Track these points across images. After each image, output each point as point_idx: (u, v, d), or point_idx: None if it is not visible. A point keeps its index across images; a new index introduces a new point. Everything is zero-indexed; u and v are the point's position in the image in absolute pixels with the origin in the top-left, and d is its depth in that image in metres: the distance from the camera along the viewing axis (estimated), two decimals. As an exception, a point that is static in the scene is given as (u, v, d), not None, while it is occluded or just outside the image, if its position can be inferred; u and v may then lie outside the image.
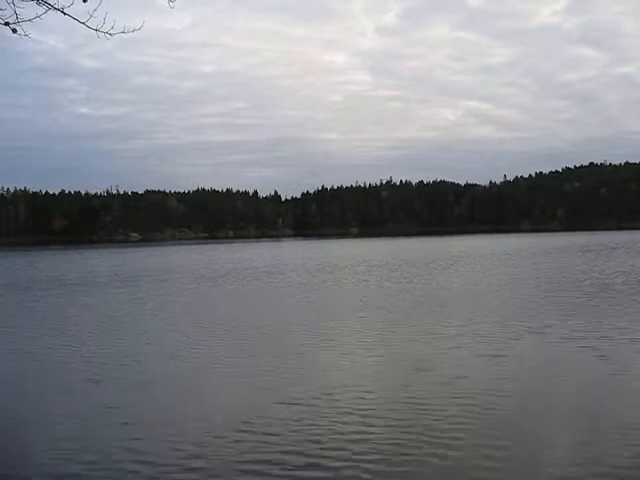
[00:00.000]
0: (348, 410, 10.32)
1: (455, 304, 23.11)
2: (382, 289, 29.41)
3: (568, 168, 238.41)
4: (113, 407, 10.98)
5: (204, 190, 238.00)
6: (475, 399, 10.67)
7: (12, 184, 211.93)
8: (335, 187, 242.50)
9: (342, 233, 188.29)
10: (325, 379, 12.55)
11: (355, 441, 8.89)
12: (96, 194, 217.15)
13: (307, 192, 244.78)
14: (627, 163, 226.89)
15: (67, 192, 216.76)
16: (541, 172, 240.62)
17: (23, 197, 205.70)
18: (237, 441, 9.05)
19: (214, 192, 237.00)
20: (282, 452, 8.58)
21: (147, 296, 29.01)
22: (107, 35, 7.17)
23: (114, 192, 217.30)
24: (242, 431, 9.46)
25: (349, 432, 9.26)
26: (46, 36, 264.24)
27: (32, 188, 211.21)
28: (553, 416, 9.89)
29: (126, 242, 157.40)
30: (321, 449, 8.66)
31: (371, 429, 9.37)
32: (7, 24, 6.85)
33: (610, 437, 8.81)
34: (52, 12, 6.92)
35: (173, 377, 13.28)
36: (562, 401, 10.66)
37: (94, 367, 14.11)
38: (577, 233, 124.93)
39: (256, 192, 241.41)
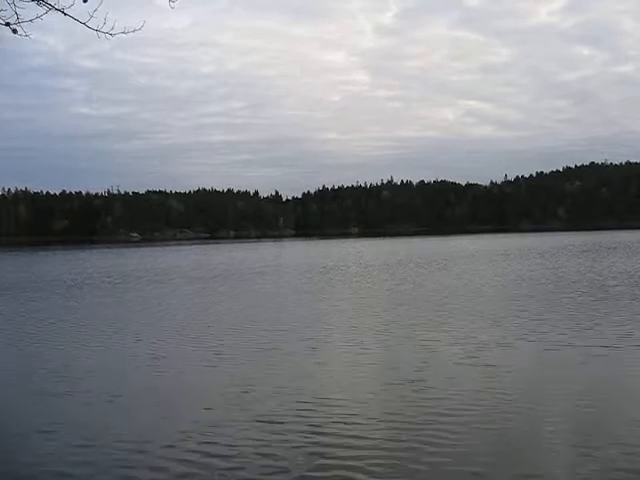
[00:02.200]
0: (328, 427, 9.67)
1: (446, 307, 22.57)
2: (372, 291, 29.10)
3: (569, 167, 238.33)
4: (71, 424, 10.27)
5: (205, 190, 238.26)
6: (466, 413, 10.18)
7: (13, 184, 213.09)
8: (336, 187, 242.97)
9: (343, 233, 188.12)
10: (304, 391, 11.85)
11: (336, 461, 8.43)
12: (97, 194, 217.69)
13: (308, 192, 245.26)
14: (628, 162, 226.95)
15: (68, 192, 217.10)
16: (542, 172, 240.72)
17: (24, 197, 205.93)
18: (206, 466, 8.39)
19: (215, 192, 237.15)
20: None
21: (131, 298, 28.68)
22: (108, 35, 7.21)
23: (115, 192, 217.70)
24: (211, 455, 8.69)
25: (329, 451, 8.76)
26: (45, 36, 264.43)
27: (33, 188, 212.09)
28: (548, 427, 9.50)
29: (127, 242, 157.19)
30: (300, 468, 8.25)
31: (354, 448, 8.82)
32: (8, 24, 6.89)
33: (609, 451, 8.46)
34: (51, 12, 6.97)
35: (140, 389, 12.46)
36: (555, 412, 10.26)
37: (55, 378, 13.33)
38: (578, 233, 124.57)
39: (257, 192, 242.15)
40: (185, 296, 29.50)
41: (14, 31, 6.85)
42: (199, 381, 13.05)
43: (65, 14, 6.95)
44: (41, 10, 6.90)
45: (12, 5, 6.76)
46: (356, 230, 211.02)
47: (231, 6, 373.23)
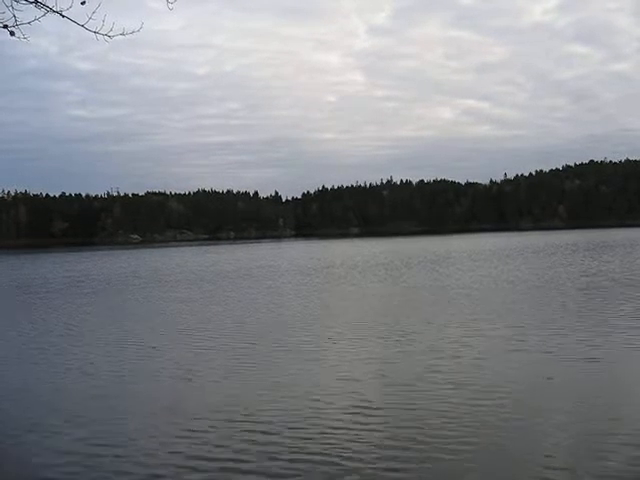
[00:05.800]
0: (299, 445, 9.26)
1: (427, 310, 22.39)
2: (360, 293, 28.99)
3: (568, 166, 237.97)
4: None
5: (204, 191, 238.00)
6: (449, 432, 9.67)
7: (12, 187, 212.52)
8: (336, 187, 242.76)
9: (343, 233, 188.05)
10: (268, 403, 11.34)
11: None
12: (97, 196, 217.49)
13: (307, 192, 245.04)
14: (627, 160, 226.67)
15: (68, 194, 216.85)
16: (541, 170, 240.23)
17: (23, 200, 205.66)
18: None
19: (215, 193, 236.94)
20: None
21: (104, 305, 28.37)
22: (106, 37, 7.21)
23: (114, 194, 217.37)
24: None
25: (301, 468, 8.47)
26: (38, 39, 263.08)
27: (32, 191, 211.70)
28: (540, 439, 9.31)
29: (127, 244, 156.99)
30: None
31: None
32: (5, 27, 6.87)
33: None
34: (45, 15, 6.94)
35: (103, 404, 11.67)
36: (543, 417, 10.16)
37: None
38: (578, 231, 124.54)
39: (257, 193, 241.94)
40: (167, 302, 28.68)
41: (12, 33, 6.83)
42: (159, 394, 12.45)
43: (63, 16, 6.94)
44: (39, 12, 6.88)
45: (10, 8, 6.75)
46: (356, 230, 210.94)
47: (224, 8, 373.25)
